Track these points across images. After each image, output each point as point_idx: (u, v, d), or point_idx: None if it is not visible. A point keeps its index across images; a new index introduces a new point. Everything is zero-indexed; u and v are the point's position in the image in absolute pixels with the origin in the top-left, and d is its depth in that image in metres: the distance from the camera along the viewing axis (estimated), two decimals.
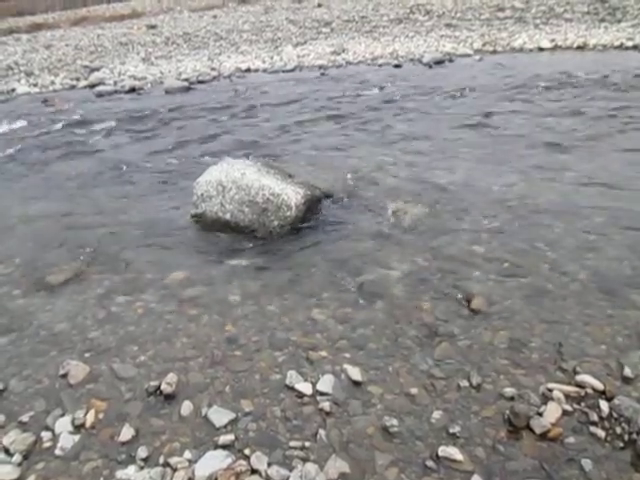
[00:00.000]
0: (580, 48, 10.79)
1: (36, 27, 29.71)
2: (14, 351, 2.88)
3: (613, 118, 6.06)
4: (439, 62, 10.78)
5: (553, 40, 11.58)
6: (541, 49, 11.21)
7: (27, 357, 2.81)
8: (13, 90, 12.60)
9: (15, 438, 2.24)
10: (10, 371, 2.71)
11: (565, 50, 10.92)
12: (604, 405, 2.18)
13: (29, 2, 38.60)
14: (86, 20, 30.76)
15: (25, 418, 2.38)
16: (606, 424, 2.12)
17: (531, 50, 11.24)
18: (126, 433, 2.24)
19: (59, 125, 8.40)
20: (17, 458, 2.16)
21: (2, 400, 2.52)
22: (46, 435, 2.27)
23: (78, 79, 13.28)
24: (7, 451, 2.19)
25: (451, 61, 10.91)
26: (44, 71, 15.12)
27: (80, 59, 16.68)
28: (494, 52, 11.51)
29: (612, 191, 4.14)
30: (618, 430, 2.08)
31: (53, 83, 13.05)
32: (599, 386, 2.28)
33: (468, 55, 11.32)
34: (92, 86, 12.01)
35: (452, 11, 17.93)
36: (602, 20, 13.54)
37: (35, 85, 12.98)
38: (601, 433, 2.07)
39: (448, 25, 15.57)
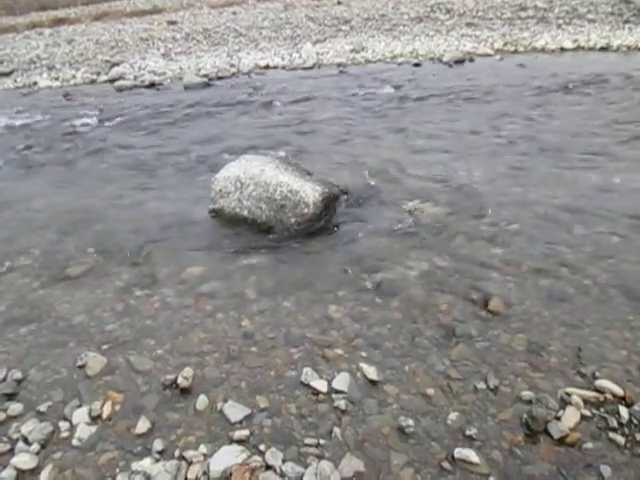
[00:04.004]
0: (603, 49, 10.62)
1: (58, 22, 30.01)
2: (33, 341, 2.92)
3: None
4: (459, 61, 10.69)
5: (576, 41, 11.41)
6: (563, 50, 11.06)
7: (46, 348, 2.85)
8: (35, 83, 12.78)
9: (33, 427, 2.27)
10: (29, 361, 2.75)
11: (588, 51, 10.76)
12: (624, 411, 2.15)
13: None
14: (107, 15, 30.99)
15: (43, 408, 2.41)
16: (626, 430, 2.08)
17: (553, 51, 11.09)
18: (142, 426, 2.26)
19: (80, 118, 8.49)
20: (35, 447, 2.19)
21: (21, 389, 2.55)
22: (64, 425, 2.30)
23: (99, 73, 13.41)
24: (25, 440, 2.23)
25: (471, 61, 10.81)
26: (65, 65, 15.28)
27: (101, 54, 16.83)
28: (515, 52, 11.37)
29: (637, 195, 4.08)
30: (638, 437, 2.05)
31: (74, 77, 13.18)
32: (619, 392, 2.24)
33: (489, 55, 11.20)
34: (112, 81, 12.11)
35: (473, 10, 17.73)
36: (626, 21, 13.28)
37: (57, 79, 13.13)
38: (620, 439, 2.04)
39: (469, 24, 15.41)
